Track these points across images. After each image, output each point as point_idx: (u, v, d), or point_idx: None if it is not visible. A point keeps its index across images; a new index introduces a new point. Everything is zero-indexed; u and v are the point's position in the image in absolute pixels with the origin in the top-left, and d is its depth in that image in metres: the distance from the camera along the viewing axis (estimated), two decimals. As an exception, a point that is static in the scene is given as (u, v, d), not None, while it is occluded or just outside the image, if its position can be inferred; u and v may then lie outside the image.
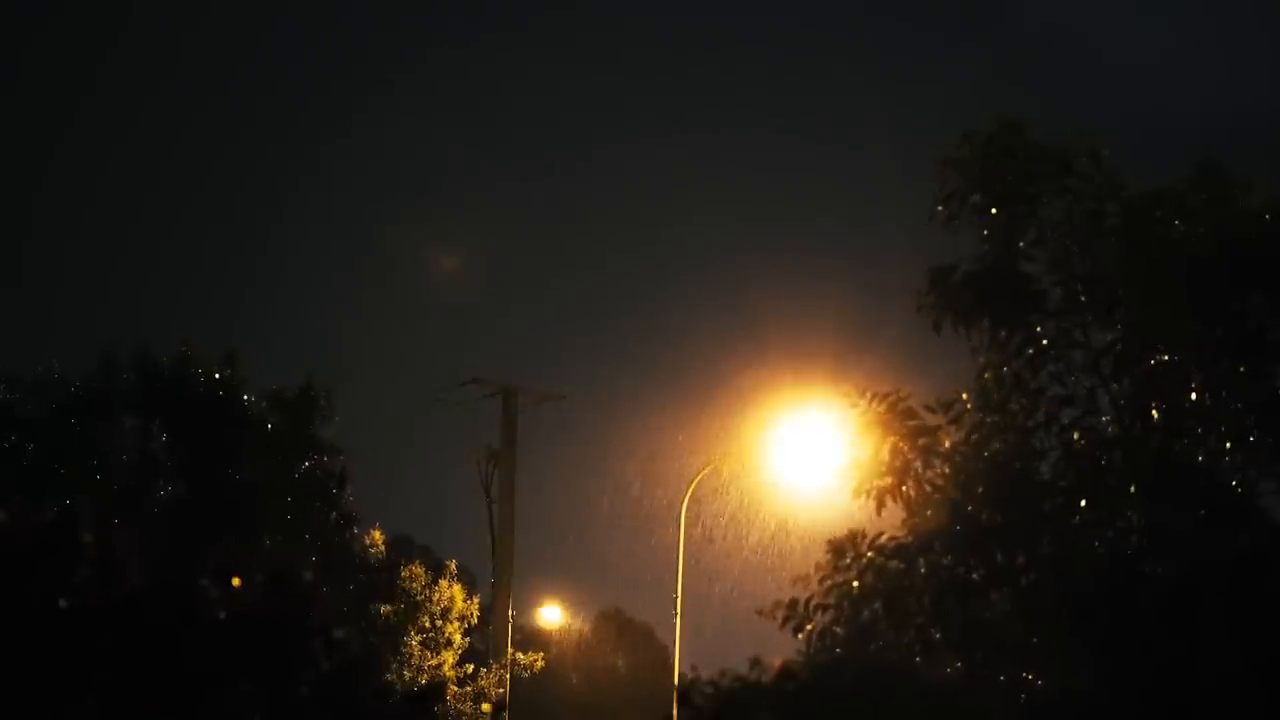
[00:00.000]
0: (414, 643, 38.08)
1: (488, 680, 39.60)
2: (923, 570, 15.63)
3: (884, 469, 16.09)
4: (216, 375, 33.69)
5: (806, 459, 37.97)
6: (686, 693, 14.32)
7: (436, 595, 38.66)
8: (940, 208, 16.66)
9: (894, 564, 15.68)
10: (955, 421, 16.19)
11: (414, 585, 38.52)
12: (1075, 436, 16.14)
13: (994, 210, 16.54)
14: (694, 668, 14.82)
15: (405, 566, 38.80)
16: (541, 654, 43.06)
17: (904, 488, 16.04)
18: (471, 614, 39.44)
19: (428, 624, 38.55)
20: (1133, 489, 15.82)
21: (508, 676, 40.68)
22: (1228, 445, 16.04)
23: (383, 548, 37.67)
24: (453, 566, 40.15)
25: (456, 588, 39.34)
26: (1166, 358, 16.26)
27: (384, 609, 36.99)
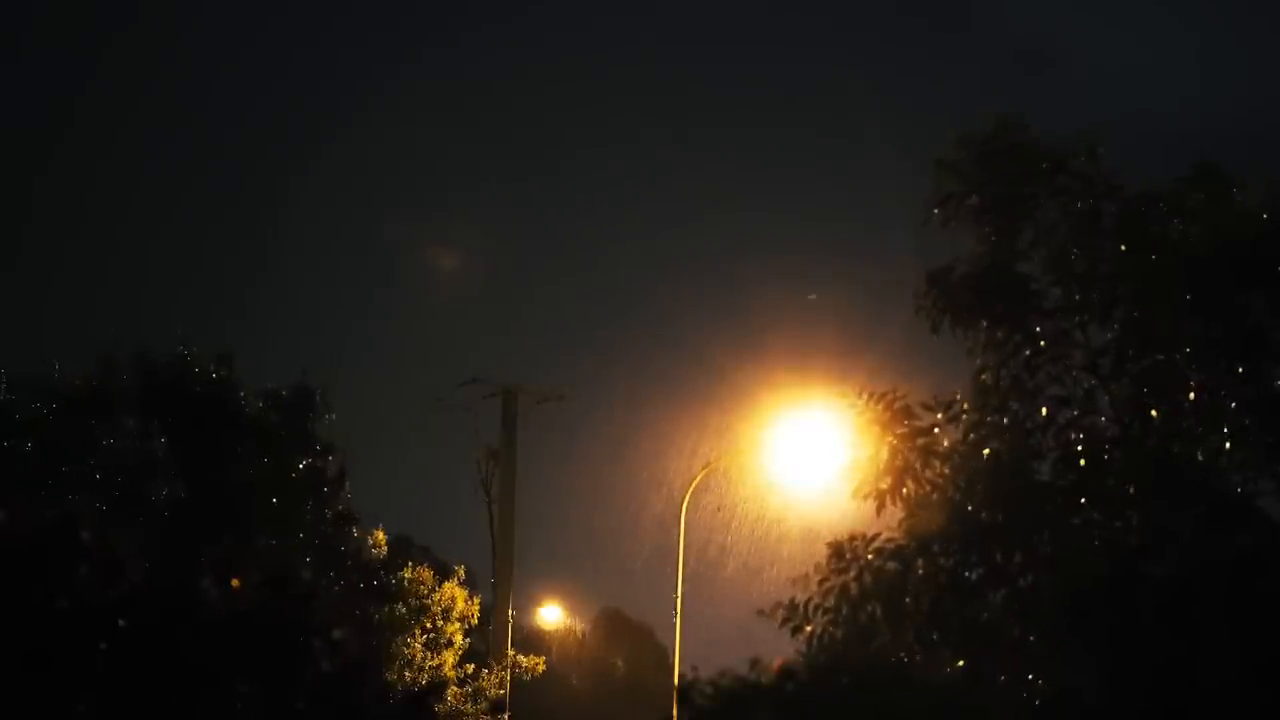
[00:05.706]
0: (416, 644, 38.04)
1: (488, 681, 39.59)
2: (921, 572, 15.63)
3: (883, 469, 16.11)
4: (213, 375, 33.62)
5: (806, 459, 37.96)
6: (686, 693, 14.29)
7: (438, 596, 38.65)
8: (935, 210, 16.71)
9: (892, 565, 15.68)
10: (953, 421, 16.21)
11: (419, 588, 38.47)
12: (1074, 437, 16.14)
13: (989, 212, 16.57)
14: (694, 668, 14.78)
15: (411, 569, 38.73)
16: (542, 658, 43.00)
17: (903, 489, 16.05)
18: (472, 615, 39.43)
19: (429, 625, 38.52)
20: (1132, 489, 15.82)
21: (508, 677, 40.64)
22: (1227, 445, 16.03)
23: (384, 547, 37.61)
24: (461, 572, 40.16)
25: (459, 590, 39.31)
26: (1165, 357, 16.27)
27: (386, 609, 36.93)
